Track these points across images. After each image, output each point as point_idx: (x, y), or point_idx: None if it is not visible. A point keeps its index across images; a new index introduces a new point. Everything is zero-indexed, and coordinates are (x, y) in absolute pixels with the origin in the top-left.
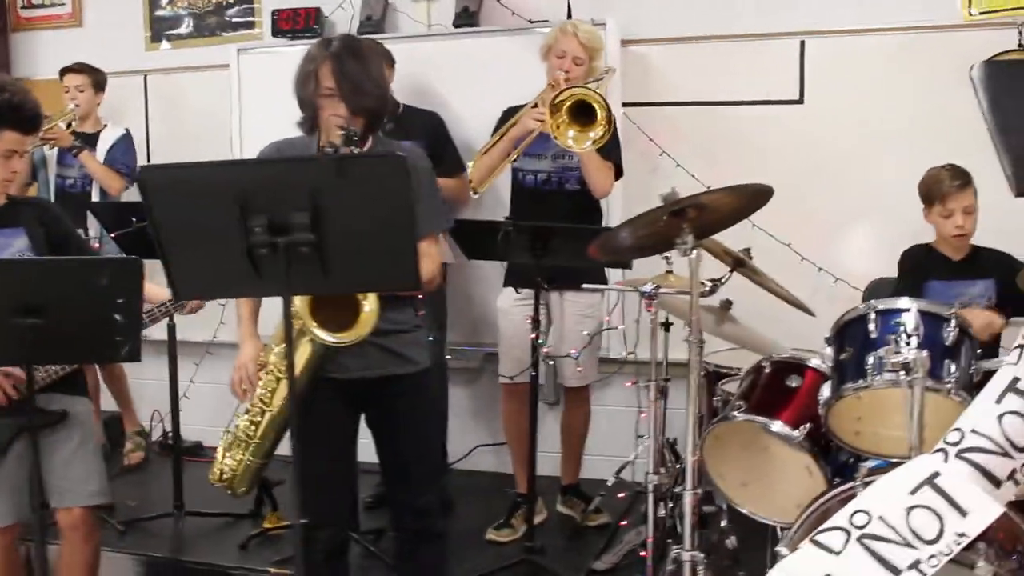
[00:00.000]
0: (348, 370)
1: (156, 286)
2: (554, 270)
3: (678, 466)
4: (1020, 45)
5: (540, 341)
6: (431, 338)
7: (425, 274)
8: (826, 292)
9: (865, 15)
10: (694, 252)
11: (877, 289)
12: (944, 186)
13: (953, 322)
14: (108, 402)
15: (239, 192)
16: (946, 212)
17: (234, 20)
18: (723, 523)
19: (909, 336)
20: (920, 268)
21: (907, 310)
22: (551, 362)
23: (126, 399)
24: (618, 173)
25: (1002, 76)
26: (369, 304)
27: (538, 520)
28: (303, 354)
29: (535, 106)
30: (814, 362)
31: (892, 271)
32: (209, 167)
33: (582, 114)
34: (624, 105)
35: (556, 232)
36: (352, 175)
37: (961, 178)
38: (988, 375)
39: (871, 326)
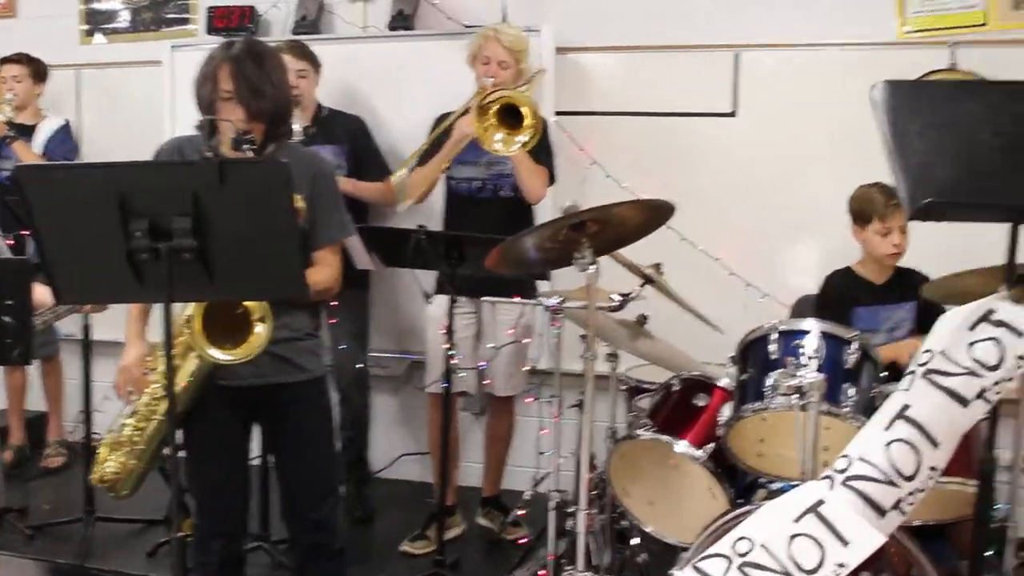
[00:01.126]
0: (238, 377)
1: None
2: (487, 280)
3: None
4: (952, 65)
5: (452, 351)
6: (342, 346)
7: (322, 283)
8: (754, 307)
9: (800, 30)
10: (592, 267)
11: (804, 305)
12: (880, 204)
13: (855, 344)
14: (34, 402)
15: (119, 195)
16: (884, 230)
17: (169, 16)
18: (633, 540)
19: (810, 358)
20: (846, 295)
21: (808, 332)
22: (462, 374)
23: (57, 402)
24: (551, 179)
25: (901, 96)
26: (263, 326)
27: (454, 534)
28: (191, 365)
29: (464, 113)
30: (723, 381)
31: (818, 288)
32: (88, 168)
33: (510, 117)
34: (557, 113)
35: (471, 241)
36: (234, 181)
37: (896, 197)
38: None
39: (772, 347)
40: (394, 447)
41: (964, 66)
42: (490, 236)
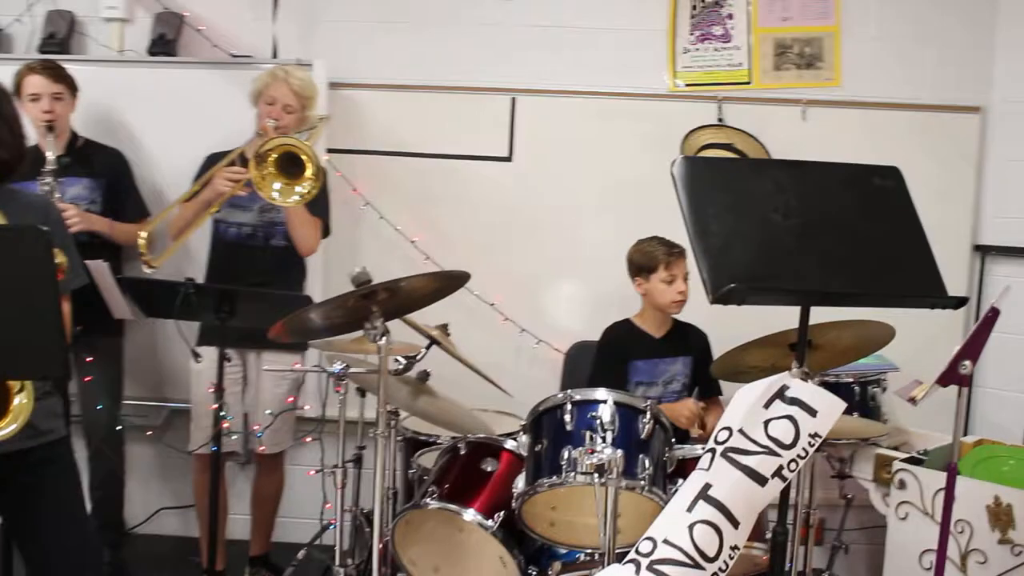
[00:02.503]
0: None
1: None
2: (256, 330)
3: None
4: (719, 119)
5: (223, 413)
6: (98, 406)
7: None
8: (528, 353)
9: (576, 77)
10: (383, 339)
11: (578, 353)
12: (663, 254)
13: (648, 414)
14: None
15: None
16: (669, 277)
17: None
18: None
19: (605, 430)
20: (624, 347)
21: (604, 402)
22: (234, 437)
23: None
24: (325, 231)
25: (697, 173)
26: (23, 396)
27: None
28: None
29: (232, 163)
30: (510, 444)
31: (594, 334)
32: None
33: (291, 166)
34: (329, 151)
35: (242, 295)
36: None
37: (678, 247)
38: (682, 464)
39: (567, 417)
40: (152, 500)
41: (731, 121)
42: (262, 291)
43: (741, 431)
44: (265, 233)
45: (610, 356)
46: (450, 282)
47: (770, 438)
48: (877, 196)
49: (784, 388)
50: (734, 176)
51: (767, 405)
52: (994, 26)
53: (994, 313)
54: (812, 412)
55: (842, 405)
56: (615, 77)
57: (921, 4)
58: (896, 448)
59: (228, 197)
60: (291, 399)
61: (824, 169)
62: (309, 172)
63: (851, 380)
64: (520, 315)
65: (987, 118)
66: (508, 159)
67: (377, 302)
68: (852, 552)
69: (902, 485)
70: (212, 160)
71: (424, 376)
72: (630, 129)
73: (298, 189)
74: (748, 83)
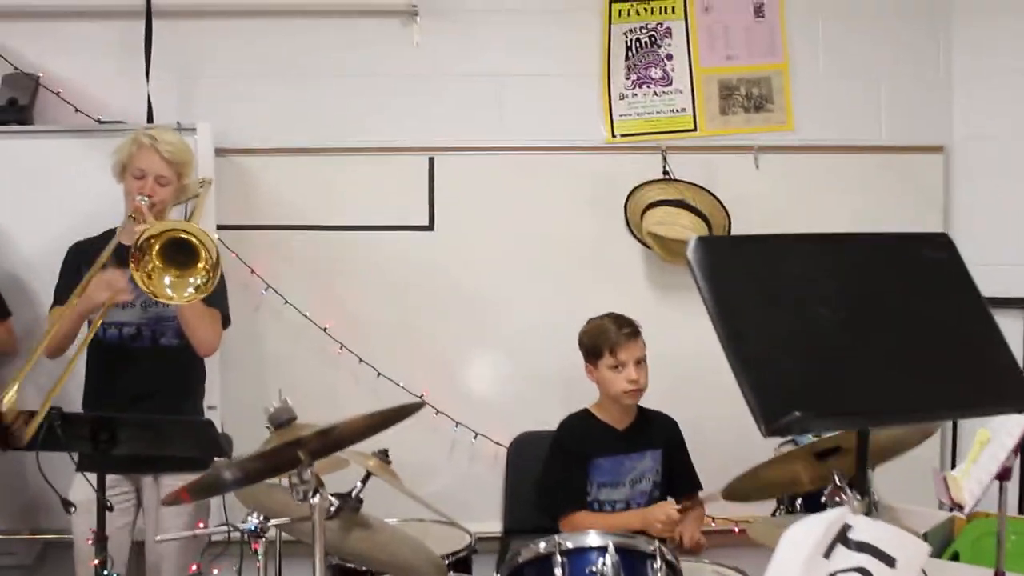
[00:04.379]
0: None
1: None
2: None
3: None
4: (665, 172)
5: (107, 572)
6: None
7: None
8: (466, 449)
9: (501, 131)
10: (316, 496)
11: (523, 445)
12: (611, 335)
13: (659, 559)
14: None
15: None
16: (616, 363)
17: None
18: None
19: None
20: (583, 444)
21: (602, 549)
22: None
23: None
24: (225, 322)
25: (719, 258)
26: None
27: None
28: None
29: (105, 264)
30: None
31: (538, 423)
32: None
33: (177, 254)
34: (219, 228)
35: (125, 421)
36: None
37: (629, 326)
38: None
39: (557, 572)
40: None
41: (678, 172)
42: (147, 417)
43: None
44: (152, 332)
45: (567, 455)
46: (399, 414)
47: None
48: (930, 272)
49: (846, 529)
50: (761, 257)
51: (827, 554)
52: (950, 59)
53: None
54: (889, 561)
55: (927, 549)
56: (546, 130)
57: (868, 39)
58: None
59: (109, 308)
60: (194, 567)
61: (864, 242)
62: (202, 258)
63: None
64: (453, 406)
65: (950, 158)
66: (429, 228)
67: (305, 447)
68: None
69: None
70: (75, 252)
71: (356, 505)
72: (566, 188)
73: (192, 280)
74: (693, 130)
